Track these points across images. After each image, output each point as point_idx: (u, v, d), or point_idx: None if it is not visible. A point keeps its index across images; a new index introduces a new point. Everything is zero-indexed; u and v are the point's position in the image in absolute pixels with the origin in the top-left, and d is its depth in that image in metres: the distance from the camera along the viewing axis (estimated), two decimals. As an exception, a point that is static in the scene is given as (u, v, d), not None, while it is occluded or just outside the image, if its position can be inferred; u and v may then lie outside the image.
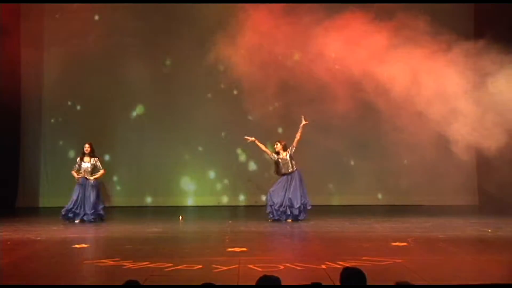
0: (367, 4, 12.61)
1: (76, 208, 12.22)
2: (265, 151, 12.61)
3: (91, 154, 12.44)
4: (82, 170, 12.37)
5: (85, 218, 12.24)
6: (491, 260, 8.43)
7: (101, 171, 12.45)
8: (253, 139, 12.50)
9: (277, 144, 12.40)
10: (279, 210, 12.20)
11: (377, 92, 12.06)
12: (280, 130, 14.66)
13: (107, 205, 13.90)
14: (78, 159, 12.50)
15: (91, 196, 12.27)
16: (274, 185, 12.44)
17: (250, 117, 14.85)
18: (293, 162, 12.34)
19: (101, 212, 12.43)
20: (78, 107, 14.97)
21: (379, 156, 14.22)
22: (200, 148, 15.28)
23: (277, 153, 12.36)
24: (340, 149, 14.61)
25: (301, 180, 12.32)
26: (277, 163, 12.41)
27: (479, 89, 11.89)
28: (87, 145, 12.48)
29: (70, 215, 12.23)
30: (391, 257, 8.45)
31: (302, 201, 12.23)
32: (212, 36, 13.14)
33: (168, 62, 15.10)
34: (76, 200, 12.23)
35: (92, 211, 12.25)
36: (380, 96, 12.08)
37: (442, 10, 14.07)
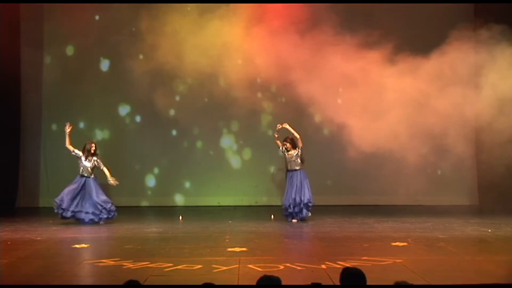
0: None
1: (76, 207, 12.03)
2: (278, 143, 12.54)
3: (94, 154, 12.33)
4: (82, 169, 12.26)
5: (84, 218, 12.03)
6: (491, 260, 8.45)
7: (107, 170, 12.31)
8: (285, 125, 12.51)
9: (285, 144, 12.45)
10: (292, 210, 12.31)
11: (373, 93, 12.20)
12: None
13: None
14: (81, 155, 12.19)
15: (95, 192, 12.13)
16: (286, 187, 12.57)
17: (250, 118, 14.93)
18: (299, 161, 12.40)
19: (112, 207, 12.22)
20: (78, 107, 14.95)
21: (378, 156, 14.21)
22: (200, 148, 15.27)
23: (287, 150, 12.43)
24: (340, 149, 14.62)
25: (304, 179, 12.38)
26: (284, 157, 12.51)
27: (476, 86, 11.99)
28: (93, 144, 12.37)
29: (64, 213, 11.99)
30: (391, 257, 8.47)
31: (307, 198, 12.28)
32: (212, 39, 13.19)
33: (168, 63, 15.06)
34: (75, 198, 12.05)
35: (100, 209, 12.08)
36: (378, 96, 12.17)
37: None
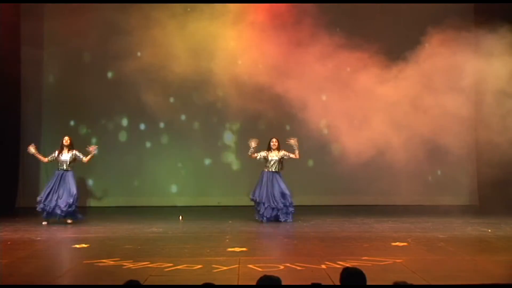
0: None
1: (48, 201, 12.13)
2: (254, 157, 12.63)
3: (70, 147, 12.40)
4: (62, 163, 12.32)
5: (57, 211, 12.10)
6: (491, 260, 8.45)
7: (89, 156, 12.40)
8: (253, 144, 12.53)
9: (273, 142, 12.48)
10: (270, 209, 12.27)
11: (374, 93, 12.21)
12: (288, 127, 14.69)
13: (108, 205, 13.92)
14: (56, 152, 12.38)
15: (71, 188, 12.18)
16: (255, 188, 12.49)
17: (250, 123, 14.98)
18: (280, 166, 12.45)
19: (75, 209, 12.25)
20: (78, 107, 14.95)
21: (378, 157, 14.21)
22: (200, 148, 15.27)
23: (272, 148, 12.44)
24: (340, 149, 14.62)
25: (283, 181, 12.42)
26: (265, 158, 12.50)
27: (475, 86, 12.00)
28: (66, 138, 12.47)
29: (41, 206, 12.16)
30: (391, 257, 8.47)
31: (289, 195, 12.35)
32: (211, 40, 13.22)
33: (169, 63, 15.06)
34: (49, 193, 12.17)
35: (68, 204, 12.09)
36: (378, 97, 12.18)
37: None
